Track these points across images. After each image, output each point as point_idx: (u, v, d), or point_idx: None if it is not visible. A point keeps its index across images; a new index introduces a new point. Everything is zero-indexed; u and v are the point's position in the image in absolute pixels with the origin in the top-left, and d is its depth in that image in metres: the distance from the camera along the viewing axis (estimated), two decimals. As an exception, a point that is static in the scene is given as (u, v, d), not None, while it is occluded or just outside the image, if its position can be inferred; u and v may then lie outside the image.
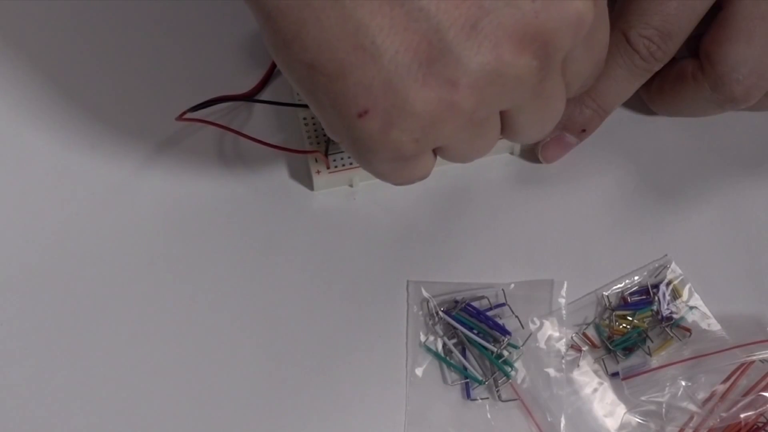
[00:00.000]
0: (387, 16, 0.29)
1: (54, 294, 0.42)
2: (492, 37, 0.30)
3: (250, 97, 0.46)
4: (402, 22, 0.29)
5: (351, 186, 0.45)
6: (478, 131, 0.33)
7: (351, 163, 0.44)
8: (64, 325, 0.41)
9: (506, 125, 0.35)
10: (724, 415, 0.39)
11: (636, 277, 0.43)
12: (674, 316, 0.42)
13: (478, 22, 0.29)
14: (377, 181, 0.44)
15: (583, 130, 0.44)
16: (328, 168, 0.44)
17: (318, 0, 0.29)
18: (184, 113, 0.42)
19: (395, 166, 0.34)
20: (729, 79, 0.40)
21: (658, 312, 0.42)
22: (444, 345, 0.41)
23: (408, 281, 0.42)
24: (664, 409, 0.40)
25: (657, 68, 0.41)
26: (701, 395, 0.40)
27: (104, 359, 0.41)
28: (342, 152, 0.44)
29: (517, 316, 0.42)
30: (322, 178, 0.44)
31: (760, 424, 0.39)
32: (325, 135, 0.44)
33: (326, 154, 0.43)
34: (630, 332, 0.42)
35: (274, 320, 0.42)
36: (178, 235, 0.43)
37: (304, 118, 0.45)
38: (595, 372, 0.41)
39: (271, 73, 0.47)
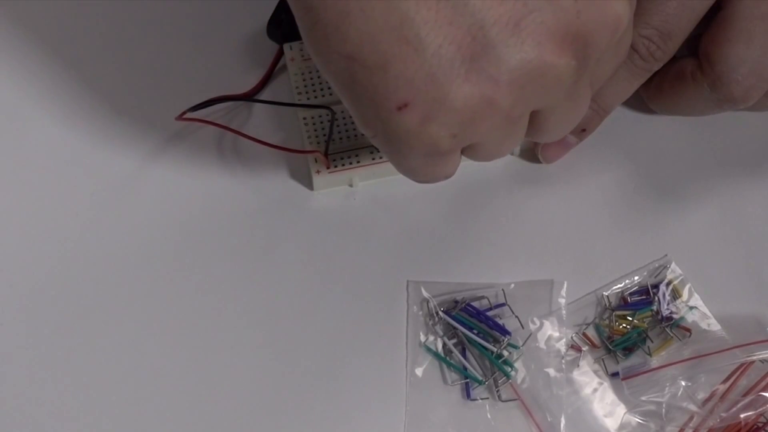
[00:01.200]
0: (432, 9, 0.29)
1: (53, 293, 0.42)
2: (535, 35, 0.30)
3: (249, 96, 0.46)
4: (447, 16, 0.29)
5: (351, 186, 0.45)
6: (510, 129, 0.33)
7: (351, 163, 0.44)
8: (63, 321, 0.41)
9: (534, 124, 0.35)
10: (724, 415, 0.39)
11: (636, 277, 0.43)
12: (674, 316, 0.42)
13: (522, 20, 0.30)
14: (377, 181, 0.44)
15: (583, 130, 0.44)
16: (327, 168, 0.44)
17: None
18: (184, 113, 0.42)
19: (427, 161, 0.34)
20: (728, 79, 0.40)
21: (658, 312, 0.42)
22: (444, 345, 0.41)
23: (408, 281, 0.42)
24: (664, 409, 0.40)
25: (657, 68, 0.41)
26: (701, 395, 0.40)
27: (102, 355, 0.41)
28: (342, 152, 0.44)
29: (517, 316, 0.42)
30: (321, 178, 0.44)
31: (760, 424, 0.39)
32: (325, 135, 0.44)
33: (326, 154, 0.43)
34: (630, 332, 0.42)
35: (274, 320, 0.42)
36: (178, 234, 0.43)
37: (304, 118, 0.45)
38: (595, 372, 0.41)
39: (271, 73, 0.47)
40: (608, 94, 0.42)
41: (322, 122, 0.44)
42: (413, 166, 0.34)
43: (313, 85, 0.45)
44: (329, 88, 0.45)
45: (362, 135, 0.43)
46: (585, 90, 0.34)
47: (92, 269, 0.42)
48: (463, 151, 0.35)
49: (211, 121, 0.44)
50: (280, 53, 0.46)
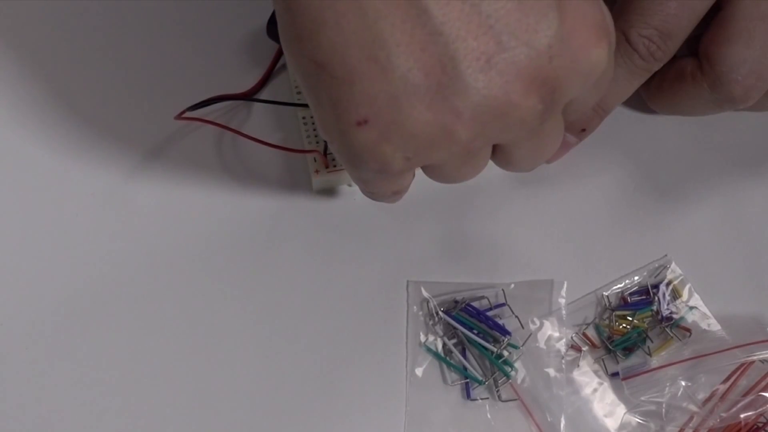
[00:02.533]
0: (407, 33, 0.29)
1: (51, 291, 0.42)
2: (504, 74, 0.30)
3: (249, 96, 0.45)
4: (421, 42, 0.29)
5: (349, 186, 0.44)
6: (469, 159, 0.34)
7: None
8: (61, 326, 0.41)
9: (499, 156, 0.35)
10: (724, 415, 0.40)
11: (636, 277, 0.43)
12: (674, 316, 0.42)
13: (493, 57, 0.29)
14: None
15: (583, 130, 0.44)
16: (327, 167, 0.43)
17: (342, 3, 0.29)
18: (183, 112, 0.42)
19: (378, 177, 0.34)
20: (728, 79, 0.40)
21: (658, 312, 0.42)
22: (444, 345, 0.41)
23: (408, 281, 0.42)
24: (664, 409, 0.40)
25: (657, 68, 0.41)
26: (701, 395, 0.40)
27: (102, 354, 0.41)
28: None
29: (517, 316, 0.42)
30: (320, 178, 0.44)
31: (760, 424, 0.39)
32: None
33: (325, 154, 0.43)
34: (630, 332, 0.42)
35: (273, 320, 0.42)
36: (177, 233, 0.43)
37: (303, 118, 0.44)
38: (595, 372, 0.41)
39: (271, 73, 0.47)
40: (608, 94, 0.42)
41: None
42: (364, 179, 0.35)
43: None
44: None
45: None
46: (555, 128, 0.35)
47: (91, 268, 0.42)
48: (423, 169, 0.35)
49: (210, 120, 0.44)
50: (280, 53, 0.46)
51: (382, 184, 0.35)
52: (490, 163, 0.36)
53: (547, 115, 0.32)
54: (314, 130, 0.44)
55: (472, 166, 0.35)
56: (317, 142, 0.44)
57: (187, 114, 0.42)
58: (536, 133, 0.33)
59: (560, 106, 0.32)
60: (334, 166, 0.44)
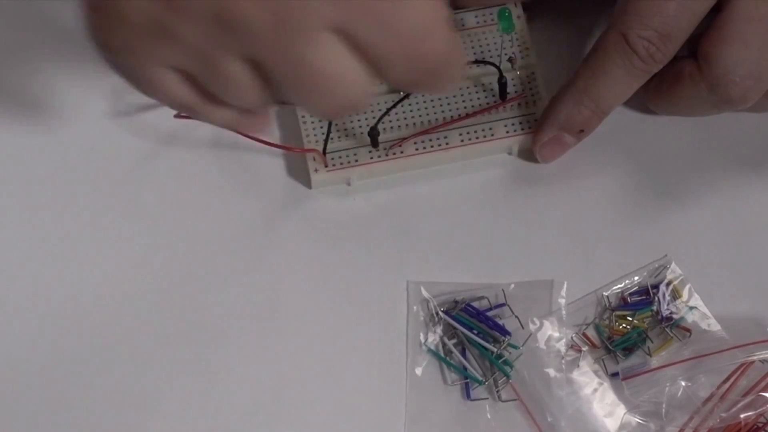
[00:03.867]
0: None
1: (50, 291, 0.42)
2: None
3: None
4: None
5: (349, 185, 0.44)
6: (213, 69, 0.30)
7: (349, 162, 0.44)
8: (58, 329, 0.41)
9: (262, 82, 0.31)
10: (724, 415, 0.40)
11: (636, 277, 0.43)
12: (674, 316, 0.42)
13: None
14: (376, 180, 0.44)
15: (582, 131, 0.44)
16: (326, 166, 0.43)
17: None
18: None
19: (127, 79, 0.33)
20: (726, 80, 0.40)
21: (658, 312, 0.42)
22: (444, 345, 0.41)
23: (408, 281, 0.42)
24: (664, 410, 0.40)
25: (656, 70, 0.41)
26: (701, 395, 0.40)
27: (97, 357, 0.41)
28: (340, 151, 0.44)
29: (517, 317, 0.42)
30: (319, 177, 0.43)
31: (760, 425, 0.39)
32: (323, 133, 0.43)
33: (324, 153, 0.43)
34: (630, 332, 0.42)
35: (273, 320, 0.42)
36: (176, 232, 0.43)
37: (303, 117, 0.44)
38: (595, 372, 0.41)
39: None
40: (607, 95, 0.42)
41: (321, 121, 0.44)
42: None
43: None
44: None
45: (361, 134, 0.43)
46: (326, 65, 0.30)
47: (90, 267, 0.42)
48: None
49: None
50: None
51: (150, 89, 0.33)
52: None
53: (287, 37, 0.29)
54: (314, 128, 0.44)
55: (224, 81, 0.31)
56: (316, 141, 0.44)
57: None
58: (293, 59, 0.29)
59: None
60: (334, 165, 0.43)
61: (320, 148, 0.43)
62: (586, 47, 0.45)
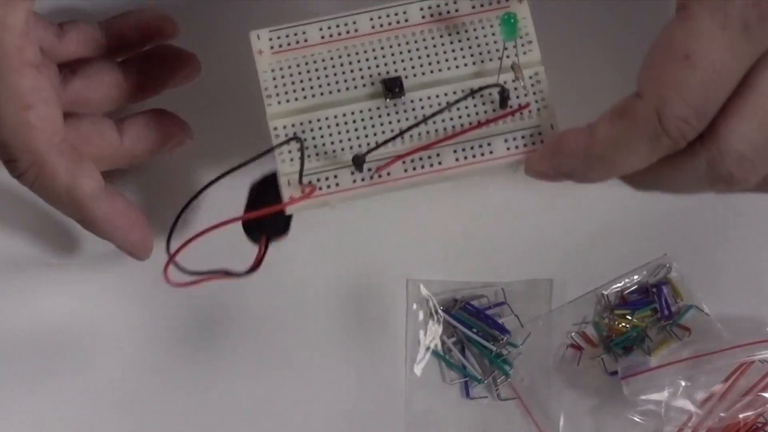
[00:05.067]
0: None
1: (49, 289, 0.42)
2: None
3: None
4: None
5: (331, 209, 0.38)
6: None
7: (329, 187, 0.37)
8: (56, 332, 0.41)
9: None
10: (723, 415, 0.40)
11: (635, 276, 0.43)
12: (674, 315, 0.42)
13: None
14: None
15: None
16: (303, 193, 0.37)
17: None
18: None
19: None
20: (731, 158, 0.34)
21: (657, 311, 0.42)
22: (443, 344, 0.41)
23: (407, 280, 0.42)
24: (663, 409, 0.40)
25: (683, 147, 0.35)
26: (701, 395, 0.40)
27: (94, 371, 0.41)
28: (318, 172, 0.37)
29: (516, 315, 0.42)
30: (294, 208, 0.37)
31: (760, 425, 0.39)
32: (300, 156, 0.36)
33: (300, 183, 0.37)
34: (629, 331, 0.42)
35: (273, 320, 0.42)
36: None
37: (276, 133, 0.37)
38: (594, 371, 0.41)
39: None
40: (622, 167, 0.36)
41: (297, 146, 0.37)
42: None
43: (285, 85, 0.38)
44: (304, 89, 0.38)
45: (342, 151, 0.37)
46: None
47: (88, 265, 0.42)
48: None
49: (205, 278, 0.36)
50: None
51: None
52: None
53: None
54: (289, 152, 0.37)
55: None
56: (291, 160, 0.37)
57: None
58: None
59: None
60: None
61: (296, 169, 0.36)
62: (598, 55, 0.45)
